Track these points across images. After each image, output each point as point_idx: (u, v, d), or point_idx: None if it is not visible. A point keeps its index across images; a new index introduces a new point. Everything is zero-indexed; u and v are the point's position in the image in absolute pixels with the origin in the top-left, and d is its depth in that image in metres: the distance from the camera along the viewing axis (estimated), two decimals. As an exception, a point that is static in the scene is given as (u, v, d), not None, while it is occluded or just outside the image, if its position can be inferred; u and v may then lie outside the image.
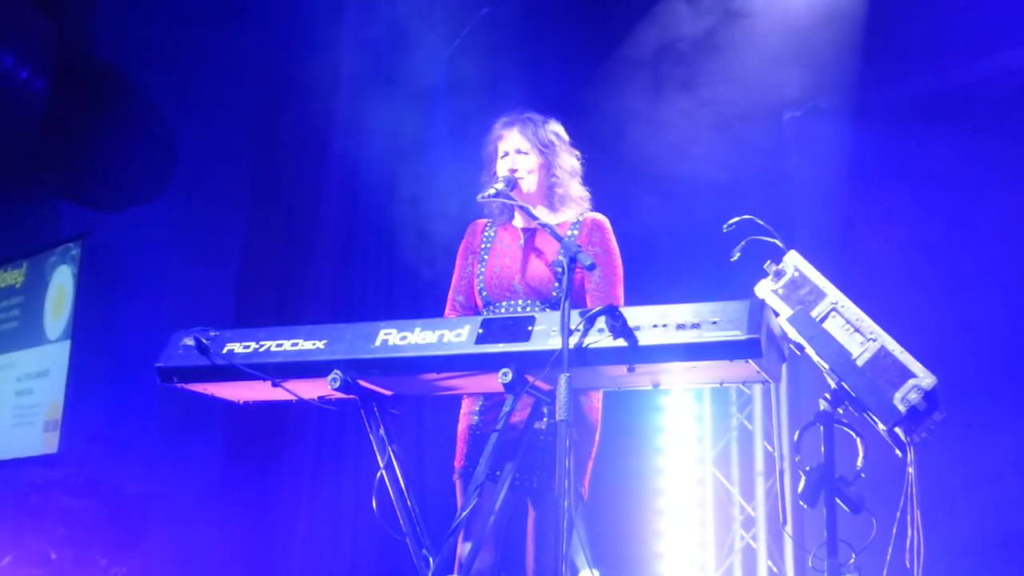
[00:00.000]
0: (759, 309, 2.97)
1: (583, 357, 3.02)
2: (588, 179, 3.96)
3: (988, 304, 5.24)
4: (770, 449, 5.23)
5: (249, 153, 7.42)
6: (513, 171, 3.73)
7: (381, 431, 3.31)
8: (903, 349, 3.29)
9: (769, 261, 3.41)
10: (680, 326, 3.02)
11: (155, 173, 7.83)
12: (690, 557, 5.47)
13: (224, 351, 3.37)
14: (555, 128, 3.89)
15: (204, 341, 3.37)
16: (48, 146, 7.91)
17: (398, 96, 6.76)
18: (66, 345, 8.41)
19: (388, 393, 3.40)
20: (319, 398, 3.43)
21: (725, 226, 3.53)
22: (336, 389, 3.21)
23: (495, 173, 3.79)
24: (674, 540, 5.54)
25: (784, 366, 3.50)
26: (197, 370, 3.41)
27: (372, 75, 6.94)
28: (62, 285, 8.68)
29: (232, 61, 7.32)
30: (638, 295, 3.72)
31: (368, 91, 6.85)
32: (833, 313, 3.30)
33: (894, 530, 3.52)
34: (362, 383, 3.25)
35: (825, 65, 6.10)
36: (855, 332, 3.29)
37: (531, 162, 3.78)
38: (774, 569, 5.09)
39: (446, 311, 3.92)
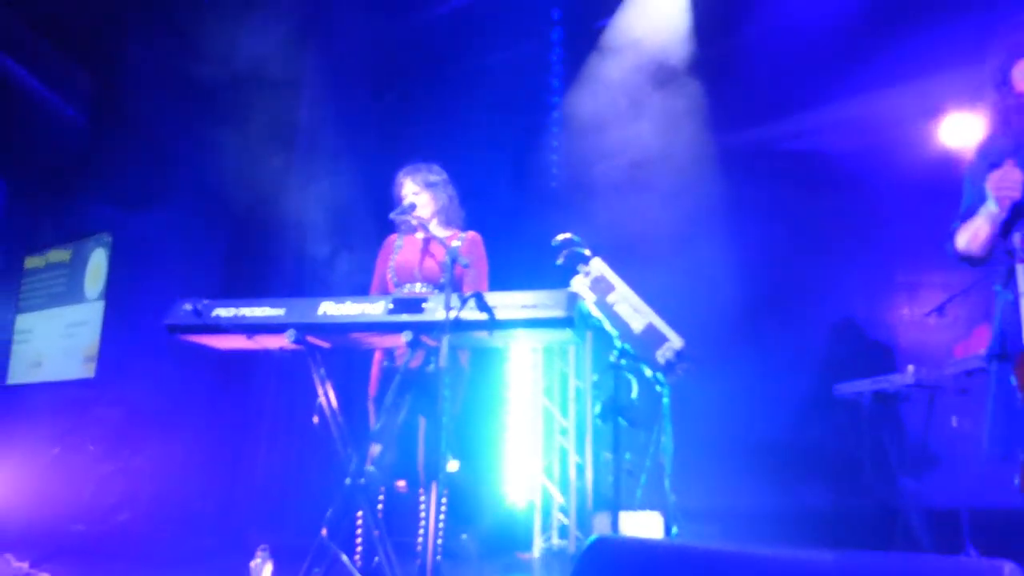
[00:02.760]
0: (574, 297, 3.09)
1: (459, 326, 3.09)
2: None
3: (720, 292, 5.30)
4: (580, 385, 5.30)
5: (232, 174, 7.13)
6: (412, 206, 3.75)
7: (321, 371, 3.32)
8: (664, 322, 3.42)
9: (581, 264, 3.49)
10: (524, 306, 3.11)
11: (167, 184, 7.58)
12: (526, 454, 5.53)
13: (213, 314, 3.34)
14: (437, 171, 3.91)
15: (198, 306, 3.34)
16: (89, 164, 7.65)
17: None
18: (101, 304, 8.24)
19: (327, 346, 3.41)
20: (280, 348, 3.42)
21: (553, 241, 3.60)
22: (292, 342, 3.23)
23: (402, 202, 3.80)
24: (517, 444, 5.61)
25: (590, 333, 3.63)
26: (193, 326, 3.37)
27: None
28: (98, 263, 8.46)
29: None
30: (502, 284, 3.75)
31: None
32: (621, 300, 3.41)
33: (655, 438, 3.66)
34: (309, 339, 3.26)
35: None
36: (635, 312, 3.40)
37: (424, 198, 3.82)
38: (579, 460, 5.15)
39: (370, 293, 3.93)
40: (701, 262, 5.37)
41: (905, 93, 5.40)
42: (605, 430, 3.80)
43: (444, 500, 3.58)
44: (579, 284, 3.41)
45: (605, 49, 6.18)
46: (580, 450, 5.29)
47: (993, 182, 2.34)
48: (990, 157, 2.47)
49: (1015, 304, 2.37)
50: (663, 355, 3.30)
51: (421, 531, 3.49)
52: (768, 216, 5.57)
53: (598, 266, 3.44)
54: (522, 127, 6.35)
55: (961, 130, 4.81)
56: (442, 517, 3.56)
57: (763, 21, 5.67)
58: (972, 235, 2.45)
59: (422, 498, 3.55)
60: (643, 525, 4.42)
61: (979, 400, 3.92)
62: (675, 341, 3.33)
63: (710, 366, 4.97)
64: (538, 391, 5.57)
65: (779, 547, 1.95)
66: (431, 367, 3.46)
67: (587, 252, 3.49)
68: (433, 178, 3.87)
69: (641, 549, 2.16)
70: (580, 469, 5.22)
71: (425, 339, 3.17)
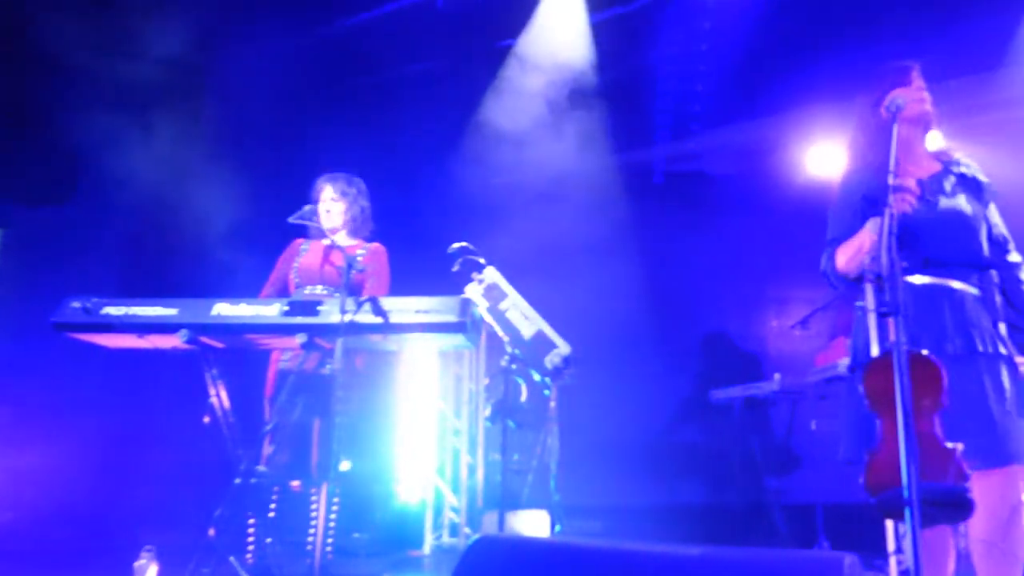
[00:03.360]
0: (467, 303, 3.08)
1: (353, 329, 3.03)
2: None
3: (607, 302, 5.39)
4: (473, 388, 5.29)
5: (132, 171, 6.79)
6: (328, 210, 3.67)
7: (213, 371, 3.20)
8: (552, 329, 3.45)
9: (475, 272, 3.49)
10: (418, 311, 3.09)
11: (62, 182, 7.13)
12: (419, 455, 5.47)
13: (103, 312, 3.17)
14: (357, 183, 3.85)
15: (87, 305, 3.16)
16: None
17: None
18: (-12, 301, 7.68)
19: (221, 346, 3.29)
20: (172, 348, 3.27)
21: (449, 248, 3.59)
22: (184, 342, 3.10)
23: (316, 210, 3.70)
24: (410, 444, 5.54)
25: (483, 338, 3.62)
26: (81, 325, 3.19)
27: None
28: (-13, 261, 7.86)
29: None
30: (403, 290, 3.69)
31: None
32: (512, 307, 3.42)
33: (542, 439, 3.69)
34: (202, 339, 3.14)
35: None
36: (525, 319, 3.42)
37: (339, 206, 3.74)
38: (470, 460, 5.13)
39: (261, 295, 3.81)
40: (592, 274, 5.46)
41: (780, 124, 5.66)
42: (495, 431, 3.80)
43: (336, 499, 3.50)
44: (473, 291, 3.41)
45: (513, 67, 6.21)
46: (472, 451, 5.28)
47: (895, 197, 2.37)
48: (860, 189, 2.57)
49: (864, 319, 2.50)
50: (551, 360, 3.34)
51: (312, 530, 3.40)
52: (657, 232, 5.73)
53: (491, 274, 3.44)
54: (433, 139, 6.29)
55: (825, 160, 5.07)
56: (334, 516, 3.49)
57: (661, 48, 5.81)
58: (855, 251, 2.51)
59: (314, 497, 3.46)
60: (530, 523, 4.44)
61: (836, 405, 4.12)
62: (563, 347, 3.37)
63: (596, 371, 5.07)
64: (433, 393, 5.53)
65: (656, 542, 1.99)
66: (327, 369, 3.38)
67: (481, 260, 3.49)
68: (350, 188, 3.81)
69: (522, 547, 2.17)
70: (472, 469, 5.21)
71: (320, 341, 3.09)
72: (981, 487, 2.25)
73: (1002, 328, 2.38)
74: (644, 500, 5.52)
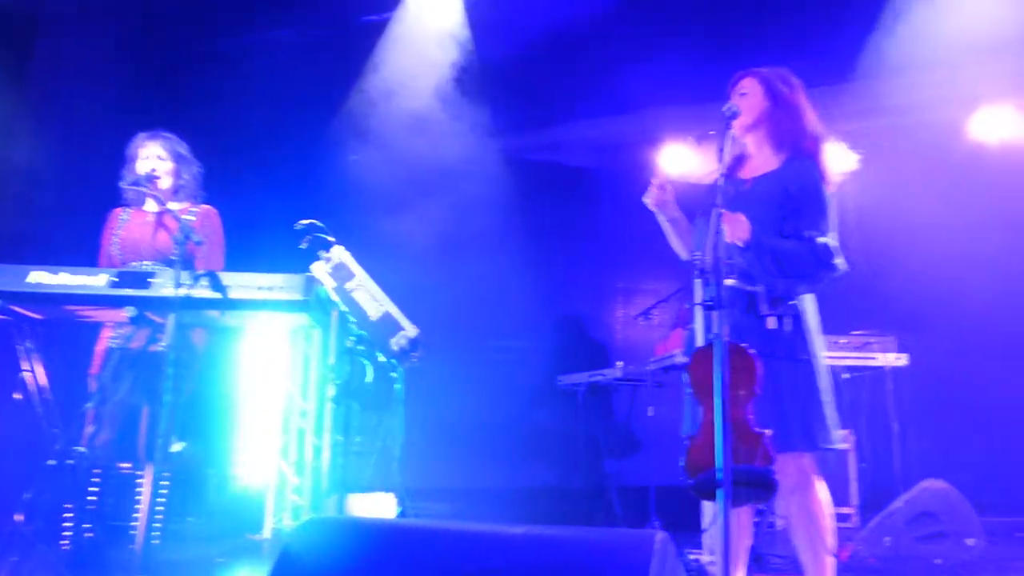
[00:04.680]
0: (312, 281, 3.03)
1: (188, 303, 2.91)
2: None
3: (460, 286, 5.43)
4: (321, 369, 5.16)
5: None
6: (153, 170, 3.48)
7: (28, 343, 2.98)
8: (400, 311, 3.44)
9: (323, 250, 3.42)
10: (260, 288, 3.01)
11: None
12: (263, 436, 5.28)
13: (-100, 277, 2.88)
14: (183, 145, 3.67)
15: None
16: None
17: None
18: None
19: (39, 317, 3.07)
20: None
21: (296, 224, 3.49)
22: (-6, 312, 2.87)
23: (135, 171, 3.51)
24: (253, 425, 5.35)
25: (334, 317, 3.56)
26: None
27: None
28: None
29: None
30: (241, 264, 3.56)
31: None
32: (360, 287, 3.38)
33: (388, 421, 3.68)
34: (15, 308, 2.91)
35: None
36: (372, 300, 3.39)
37: (168, 167, 3.56)
38: (316, 441, 4.99)
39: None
40: (444, 257, 5.48)
41: (638, 120, 5.88)
42: (339, 413, 3.75)
43: (165, 482, 3.36)
44: (319, 269, 3.33)
45: (382, 45, 6.09)
46: (320, 432, 5.18)
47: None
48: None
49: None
50: (397, 342, 3.32)
51: (137, 514, 3.24)
52: (518, 219, 5.82)
53: (339, 253, 3.38)
54: (290, 113, 6.06)
55: (676, 158, 5.33)
56: (162, 500, 3.34)
57: (530, 35, 5.85)
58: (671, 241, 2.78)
59: (140, 480, 3.30)
60: (376, 506, 4.43)
61: (673, 393, 4.35)
62: (410, 330, 3.36)
63: (446, 355, 5.10)
64: (280, 373, 5.37)
65: (496, 523, 2.05)
66: (158, 346, 3.23)
67: (331, 239, 3.42)
68: (181, 149, 3.62)
69: (351, 528, 2.17)
70: (317, 451, 5.11)
71: (151, 316, 2.95)
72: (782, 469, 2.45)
73: (770, 323, 2.59)
74: (491, 483, 5.62)
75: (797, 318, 2.66)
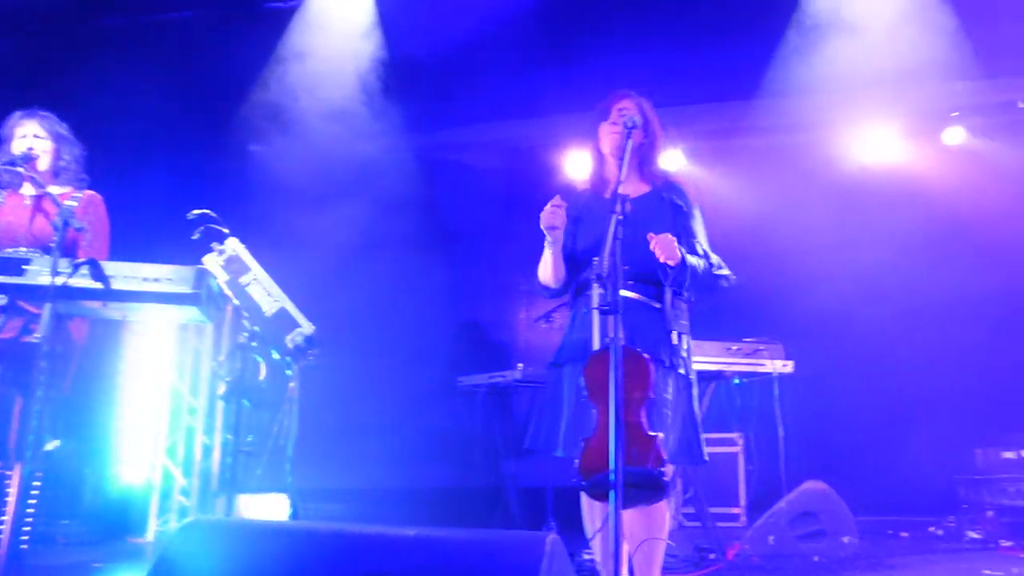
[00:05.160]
0: (203, 274, 2.92)
1: (67, 293, 2.75)
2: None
3: (362, 284, 5.35)
4: (213, 365, 4.99)
5: None
6: (31, 150, 3.27)
7: None
8: (296, 307, 3.35)
9: (216, 242, 3.30)
10: (146, 279, 2.87)
11: None
12: (148, 434, 5.05)
13: None
14: (63, 125, 3.46)
15: None
16: None
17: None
18: None
19: None
20: None
21: (189, 214, 3.36)
22: None
23: (10, 151, 3.29)
24: (138, 422, 5.11)
25: (229, 311, 3.43)
26: None
27: None
28: None
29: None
30: (131, 255, 3.38)
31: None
32: (254, 281, 3.28)
33: (280, 420, 3.57)
34: None
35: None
36: (267, 295, 3.29)
37: (47, 145, 3.35)
38: (207, 440, 4.83)
39: None
40: (344, 255, 5.39)
41: (543, 125, 5.93)
42: (229, 411, 3.63)
43: (37, 482, 3.15)
44: (212, 262, 3.21)
45: (292, 34, 5.91)
46: (210, 431, 5.00)
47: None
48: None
49: (588, 316, 2.70)
50: (292, 340, 3.24)
51: (3, 517, 3.03)
52: (424, 219, 5.77)
53: (234, 245, 3.27)
54: (190, 99, 5.79)
55: (581, 165, 5.37)
56: (33, 501, 3.14)
57: (440, 35, 5.81)
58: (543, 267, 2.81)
59: (8, 480, 3.09)
60: (267, 508, 4.30)
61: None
62: (306, 327, 3.28)
63: (345, 354, 5.00)
64: (168, 368, 5.15)
65: (390, 525, 2.01)
66: (32, 336, 3.03)
67: (224, 230, 3.30)
68: (61, 129, 3.41)
69: (234, 530, 2.09)
70: (207, 450, 4.93)
71: (24, 305, 2.76)
72: None
73: (674, 337, 2.66)
74: (388, 483, 5.56)
75: (687, 336, 2.75)
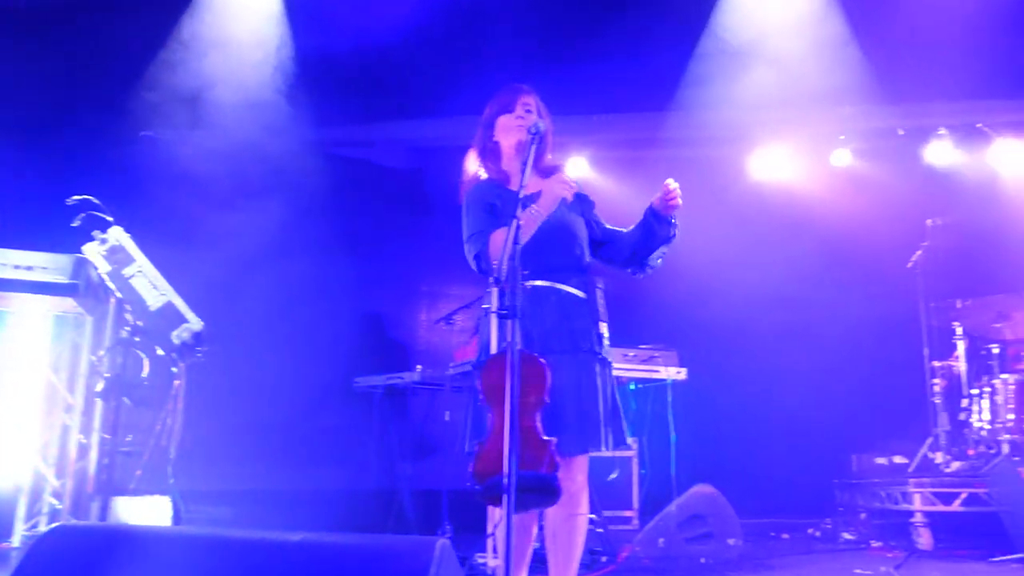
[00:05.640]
0: (82, 263, 2.75)
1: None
2: None
3: (256, 281, 5.17)
4: (93, 360, 4.73)
5: None
6: None
7: None
8: (184, 302, 3.21)
9: (99, 231, 3.12)
10: (17, 267, 2.69)
11: None
12: (17, 429, 4.72)
13: None
14: None
15: None
16: None
17: None
18: None
19: None
20: None
21: (69, 200, 3.16)
22: None
23: None
24: (9, 418, 4.76)
25: (111, 304, 3.25)
26: None
27: None
28: None
29: None
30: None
31: None
32: (139, 273, 3.12)
33: (165, 419, 3.42)
34: None
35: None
36: (153, 288, 3.15)
37: None
38: (83, 440, 4.57)
39: None
40: (247, 248, 5.20)
41: (452, 125, 5.88)
42: (108, 409, 3.44)
43: None
44: (92, 251, 3.04)
45: (192, 18, 5.66)
46: (86, 429, 4.72)
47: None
48: (487, 196, 2.80)
49: (488, 319, 2.69)
50: (179, 335, 3.10)
51: None
52: (326, 215, 5.64)
53: (117, 234, 3.10)
54: (76, 81, 5.45)
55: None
56: None
57: (349, 29, 5.69)
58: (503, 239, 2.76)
59: None
60: (146, 511, 4.10)
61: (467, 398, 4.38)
62: (194, 323, 3.15)
63: (235, 352, 4.84)
64: (44, 362, 4.84)
65: (285, 530, 1.94)
66: None
67: (108, 218, 3.13)
68: None
69: (103, 536, 1.98)
70: (83, 450, 4.65)
71: None
72: (564, 470, 2.53)
73: (602, 328, 2.70)
74: (280, 486, 5.41)
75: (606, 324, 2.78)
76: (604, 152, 6.28)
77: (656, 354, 4.82)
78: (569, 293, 2.68)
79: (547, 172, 2.85)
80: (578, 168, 6.28)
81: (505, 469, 2.23)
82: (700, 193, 6.19)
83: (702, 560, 4.23)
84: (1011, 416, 5.14)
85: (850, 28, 5.66)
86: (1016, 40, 5.29)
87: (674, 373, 4.86)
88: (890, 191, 6.33)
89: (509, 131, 2.83)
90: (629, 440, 2.76)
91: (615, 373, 4.32)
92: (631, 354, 4.75)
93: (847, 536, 5.25)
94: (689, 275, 5.89)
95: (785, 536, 5.41)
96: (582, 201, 2.83)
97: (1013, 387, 5.19)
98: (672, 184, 2.66)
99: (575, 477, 2.63)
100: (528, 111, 2.84)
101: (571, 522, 2.66)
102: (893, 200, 6.19)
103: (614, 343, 2.81)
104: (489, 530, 2.70)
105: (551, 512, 2.64)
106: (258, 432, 5.29)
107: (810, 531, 5.50)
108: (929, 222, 5.75)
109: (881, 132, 6.53)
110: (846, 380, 5.87)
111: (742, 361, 6.07)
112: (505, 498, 2.22)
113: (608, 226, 2.89)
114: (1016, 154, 6.45)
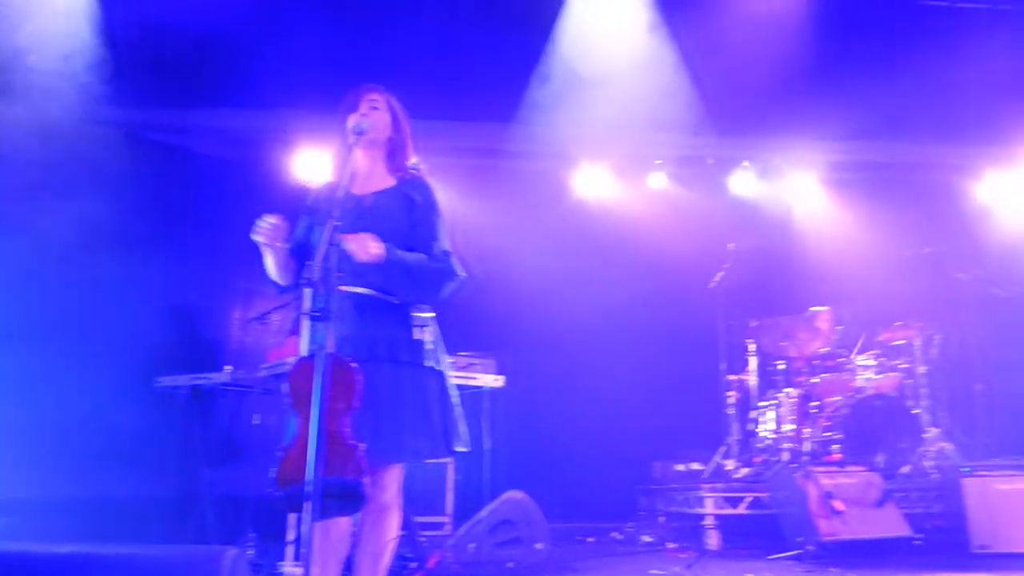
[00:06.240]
0: None
1: None
2: None
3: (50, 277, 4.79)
4: None
5: None
6: None
7: None
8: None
9: None
10: None
11: None
12: None
13: None
14: None
15: None
16: None
17: None
18: None
19: None
20: None
21: None
22: None
23: None
24: None
25: None
26: None
27: None
28: None
29: None
30: None
31: None
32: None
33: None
34: None
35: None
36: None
37: None
38: None
39: None
40: (51, 238, 4.80)
41: (271, 117, 5.70)
42: None
43: None
44: None
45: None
46: None
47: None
48: (309, 204, 2.76)
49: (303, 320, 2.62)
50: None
51: None
52: (135, 203, 5.29)
53: None
54: None
55: (310, 164, 5.25)
56: None
57: (165, 12, 5.36)
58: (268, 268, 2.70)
59: None
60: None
61: (280, 401, 4.23)
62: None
63: (20, 347, 4.43)
64: None
65: (72, 540, 1.78)
66: None
67: None
68: None
69: None
70: None
71: None
72: (373, 481, 2.50)
73: (416, 333, 2.66)
74: (67, 493, 5.00)
75: (433, 327, 2.75)
76: (440, 158, 6.31)
77: (475, 361, 4.88)
78: (381, 299, 2.63)
79: (400, 171, 2.80)
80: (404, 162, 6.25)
81: (308, 475, 2.19)
82: (527, 206, 6.43)
83: (509, 564, 4.32)
84: (792, 426, 5.66)
85: (681, 61, 6.04)
86: (807, 88, 5.87)
87: (492, 380, 4.94)
88: (699, 215, 6.79)
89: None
90: (459, 448, 2.70)
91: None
92: (449, 360, 4.77)
93: (646, 538, 5.55)
94: (513, 285, 6.05)
95: (590, 540, 5.63)
96: (411, 206, 2.77)
97: (795, 400, 5.73)
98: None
99: (385, 487, 2.59)
100: (375, 108, 2.77)
101: (378, 532, 2.62)
102: (701, 223, 6.64)
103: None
104: (289, 538, 2.62)
105: (360, 520, 2.60)
106: (46, 434, 4.87)
107: (613, 534, 5.77)
108: (730, 246, 6.22)
109: (693, 160, 7.02)
110: (652, 391, 6.22)
111: (558, 370, 6.29)
112: (307, 505, 2.18)
113: (436, 248, 2.74)
114: (806, 189, 7.15)
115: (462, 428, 2.73)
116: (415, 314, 2.69)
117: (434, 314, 2.75)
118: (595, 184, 6.96)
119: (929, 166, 7.07)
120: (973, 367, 6.70)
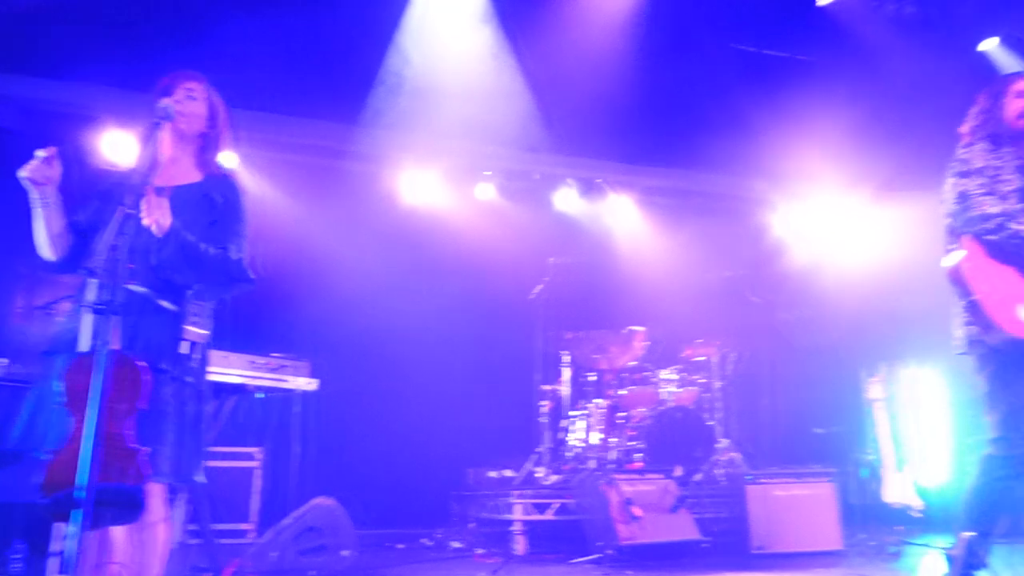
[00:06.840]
0: None
1: None
2: None
3: None
4: None
5: None
6: None
7: None
8: None
9: None
10: None
11: None
12: None
13: None
14: None
15: None
16: None
17: None
18: None
19: None
20: None
21: None
22: None
23: None
24: None
25: None
26: None
27: None
28: None
29: None
30: None
31: None
32: None
33: None
34: None
35: None
36: None
37: None
38: None
39: None
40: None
41: (74, 91, 5.28)
42: None
43: None
44: None
45: None
46: None
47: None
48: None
49: (77, 312, 2.41)
50: None
51: None
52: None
53: None
54: None
55: (118, 145, 4.89)
56: None
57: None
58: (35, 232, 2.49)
59: None
60: None
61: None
62: None
63: None
64: None
65: None
66: None
67: None
68: None
69: None
70: None
71: None
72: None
73: (183, 347, 2.49)
74: None
75: (205, 346, 2.60)
76: (257, 151, 6.06)
77: (287, 363, 4.71)
78: (156, 303, 2.46)
79: (208, 167, 2.67)
80: (229, 161, 5.97)
81: (79, 480, 2.00)
82: (355, 208, 6.30)
83: (311, 573, 4.20)
84: (600, 435, 5.90)
85: (519, 76, 6.15)
86: (630, 115, 6.18)
87: (305, 383, 4.78)
88: (523, 228, 6.95)
89: None
90: (198, 478, 2.51)
91: (239, 380, 4.14)
92: (260, 362, 4.58)
93: (455, 544, 5.58)
94: (334, 287, 5.91)
95: (400, 546, 5.60)
96: (211, 204, 2.63)
97: (604, 411, 5.97)
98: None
99: (151, 502, 2.41)
100: (191, 98, 2.63)
101: (146, 547, 2.45)
102: (525, 236, 6.80)
103: (242, 349, 2.67)
104: (55, 548, 2.40)
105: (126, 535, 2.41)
106: None
107: (423, 540, 5.76)
108: (551, 260, 6.41)
109: (521, 174, 7.18)
110: (469, 399, 6.27)
111: (374, 376, 6.21)
112: (77, 513, 1.99)
113: (233, 254, 2.60)
114: (623, 211, 7.50)
115: (205, 456, 2.58)
116: (188, 327, 2.53)
117: (208, 332, 2.60)
118: (423, 190, 6.94)
119: (733, 197, 7.64)
120: (761, 383, 7.30)
